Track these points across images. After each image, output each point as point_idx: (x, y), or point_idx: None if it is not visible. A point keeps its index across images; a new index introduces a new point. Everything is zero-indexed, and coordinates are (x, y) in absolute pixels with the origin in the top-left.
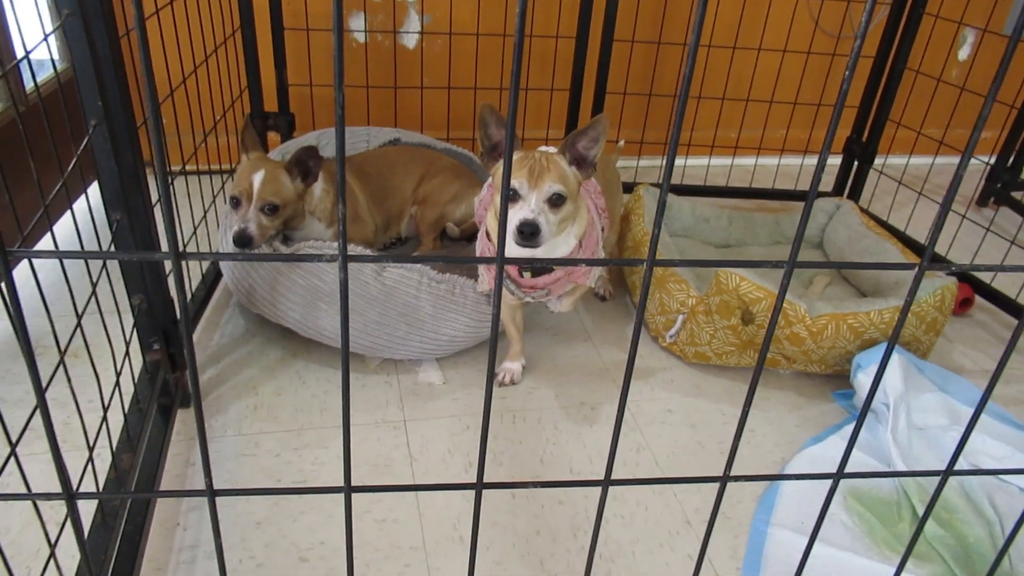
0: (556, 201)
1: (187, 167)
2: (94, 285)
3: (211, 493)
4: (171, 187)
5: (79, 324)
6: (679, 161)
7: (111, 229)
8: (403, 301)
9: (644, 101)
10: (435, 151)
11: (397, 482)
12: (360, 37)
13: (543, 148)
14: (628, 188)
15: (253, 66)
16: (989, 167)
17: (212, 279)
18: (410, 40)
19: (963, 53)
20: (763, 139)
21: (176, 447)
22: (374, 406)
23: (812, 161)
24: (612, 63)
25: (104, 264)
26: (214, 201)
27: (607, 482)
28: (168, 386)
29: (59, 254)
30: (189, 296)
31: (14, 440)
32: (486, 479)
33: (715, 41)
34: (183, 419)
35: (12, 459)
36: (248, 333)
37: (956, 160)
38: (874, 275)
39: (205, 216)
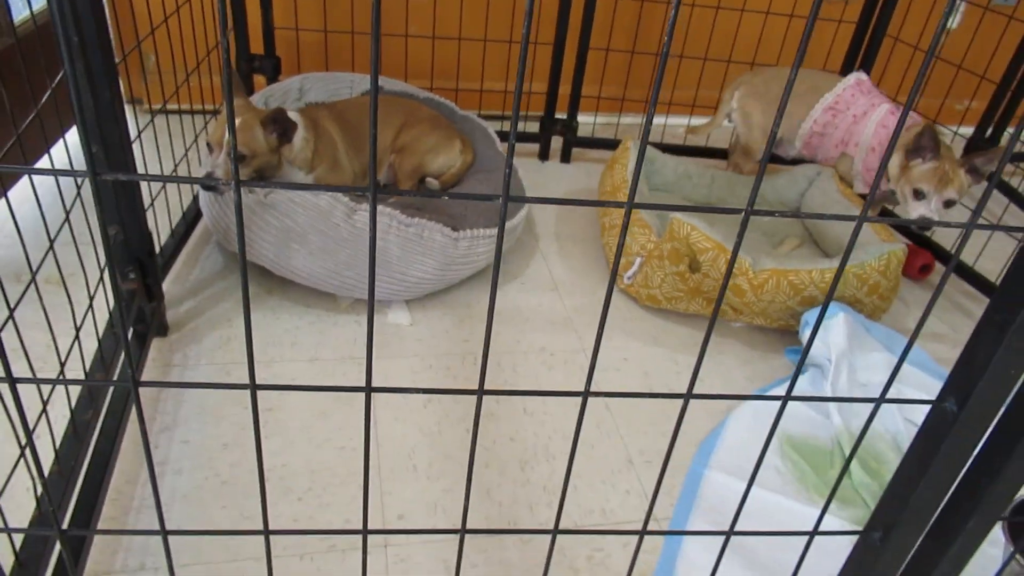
0: (947, 204)
1: (168, 106)
2: (67, 212)
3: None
4: (131, 118)
5: (51, 248)
6: (659, 119)
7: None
8: None
9: (627, 58)
10: (416, 101)
11: (357, 415)
12: None
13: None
14: (613, 144)
15: (239, 7)
16: (968, 139)
17: (193, 216)
18: None
19: (954, 21)
20: None
21: (149, 373)
22: (343, 343)
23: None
24: (596, 19)
25: (78, 193)
26: (195, 141)
27: (587, 394)
28: (144, 314)
29: None
30: (168, 232)
31: None
32: (449, 417)
33: (699, 0)
34: (158, 347)
35: None
36: (226, 270)
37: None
38: (838, 239)
39: (187, 154)
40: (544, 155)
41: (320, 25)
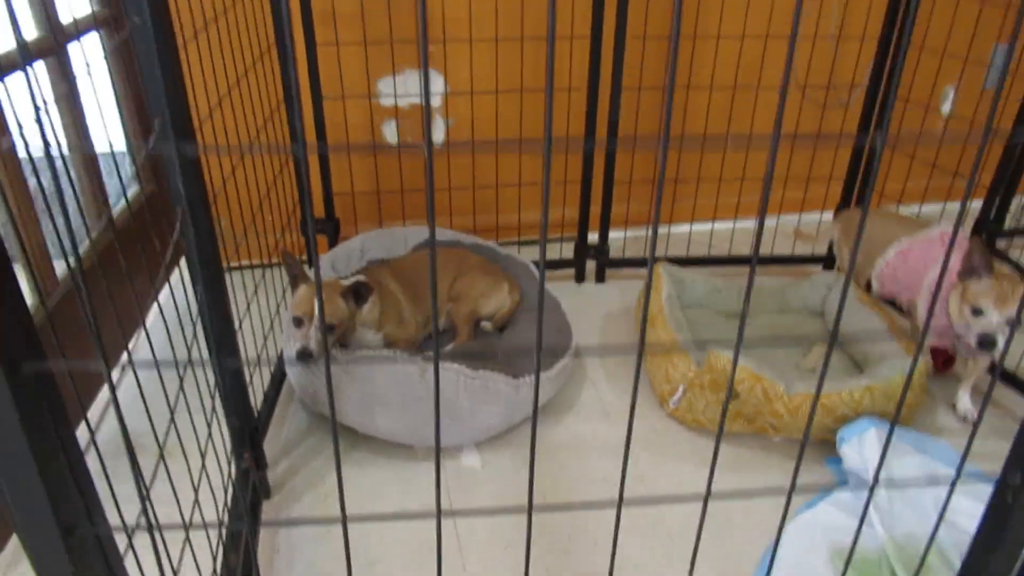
0: (1011, 323)
1: (253, 263)
2: (188, 407)
3: None
4: (244, 360)
5: (184, 453)
6: (684, 228)
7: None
8: (444, 397)
9: (650, 183)
10: (464, 248)
11: (445, 564)
12: (392, 141)
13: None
14: (644, 263)
15: (304, 182)
16: (976, 219)
17: (279, 377)
18: (437, 142)
19: (946, 107)
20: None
21: (262, 540)
22: (425, 493)
23: (809, 217)
24: (619, 152)
25: (196, 384)
26: (279, 305)
27: None
28: (255, 485)
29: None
30: (261, 397)
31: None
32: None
33: (710, 128)
34: (266, 509)
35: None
36: (312, 426)
37: (940, 207)
38: (861, 347)
39: (272, 324)
40: (580, 277)
41: (373, 187)
